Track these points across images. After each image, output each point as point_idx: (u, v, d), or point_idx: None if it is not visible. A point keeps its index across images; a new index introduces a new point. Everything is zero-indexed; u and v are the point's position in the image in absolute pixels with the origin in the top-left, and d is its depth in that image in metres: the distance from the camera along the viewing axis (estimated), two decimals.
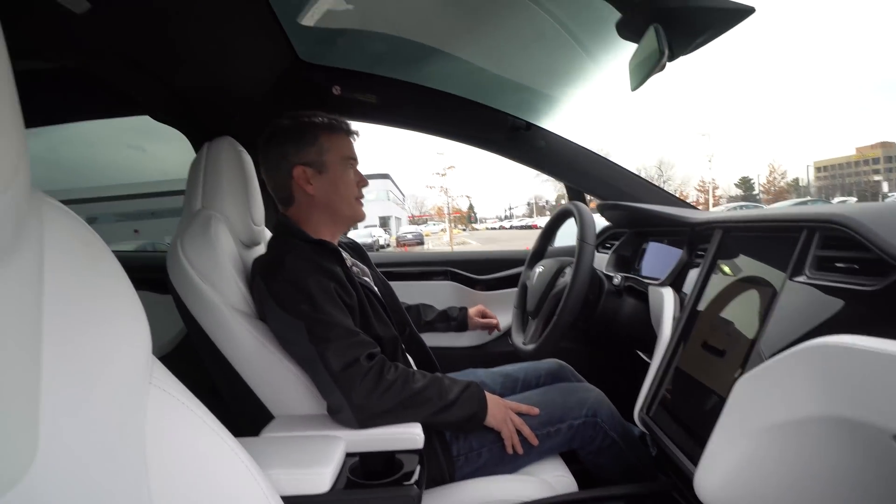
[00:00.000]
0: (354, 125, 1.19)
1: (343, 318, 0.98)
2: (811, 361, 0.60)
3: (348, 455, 0.86)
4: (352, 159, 1.14)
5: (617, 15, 0.86)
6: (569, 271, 1.17)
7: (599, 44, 1.30)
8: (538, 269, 1.33)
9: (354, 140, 1.17)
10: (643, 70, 0.85)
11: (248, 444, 0.55)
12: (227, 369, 1.02)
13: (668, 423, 0.92)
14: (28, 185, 0.33)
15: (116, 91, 1.46)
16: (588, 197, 1.79)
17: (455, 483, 1.03)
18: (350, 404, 0.92)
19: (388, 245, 25.96)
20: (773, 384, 0.66)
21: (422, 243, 26.39)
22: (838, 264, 0.67)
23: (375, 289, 1.18)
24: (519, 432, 1.05)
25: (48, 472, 0.33)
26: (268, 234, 1.36)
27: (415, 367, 1.17)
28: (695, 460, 0.77)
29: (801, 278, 0.71)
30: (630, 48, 0.92)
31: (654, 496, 1.00)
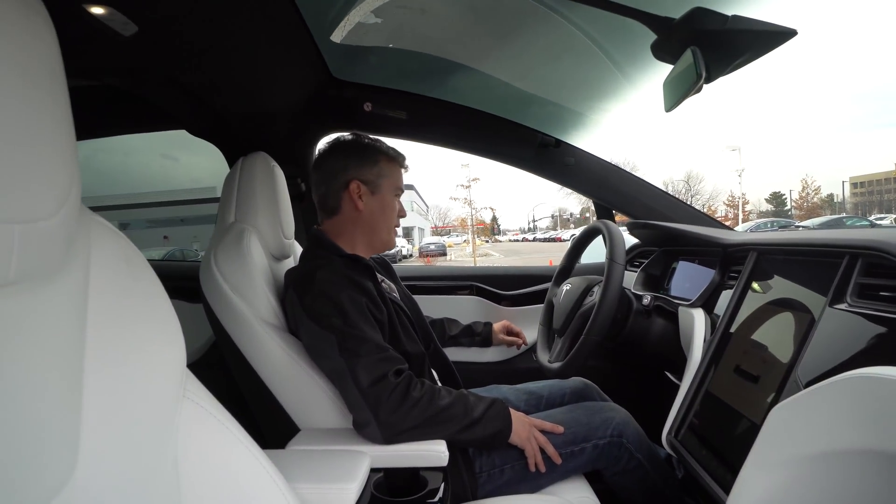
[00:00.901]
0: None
1: (374, 334, 0.99)
2: (853, 392, 0.59)
3: (373, 470, 0.86)
4: (400, 189, 1.20)
5: (652, 34, 0.86)
6: (597, 290, 1.16)
7: (633, 62, 1.30)
8: (566, 286, 1.32)
9: (405, 172, 1.24)
10: (679, 91, 0.85)
11: (275, 456, 0.56)
12: (256, 381, 1.03)
13: (698, 448, 0.90)
14: (78, 205, 0.35)
15: (155, 106, 1.52)
16: (614, 212, 1.77)
17: (477, 501, 1.02)
18: (377, 420, 0.93)
19: (411, 255, 26.05)
20: (812, 413, 0.64)
21: (444, 254, 26.42)
22: (882, 293, 0.65)
23: (403, 305, 1.19)
24: (543, 451, 1.04)
25: (86, 483, 0.34)
26: (297, 248, 1.39)
27: (439, 383, 1.18)
28: (725, 487, 0.75)
29: (843, 305, 0.70)
30: (665, 67, 0.92)
31: None
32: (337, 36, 1.33)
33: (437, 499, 0.82)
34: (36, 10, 0.31)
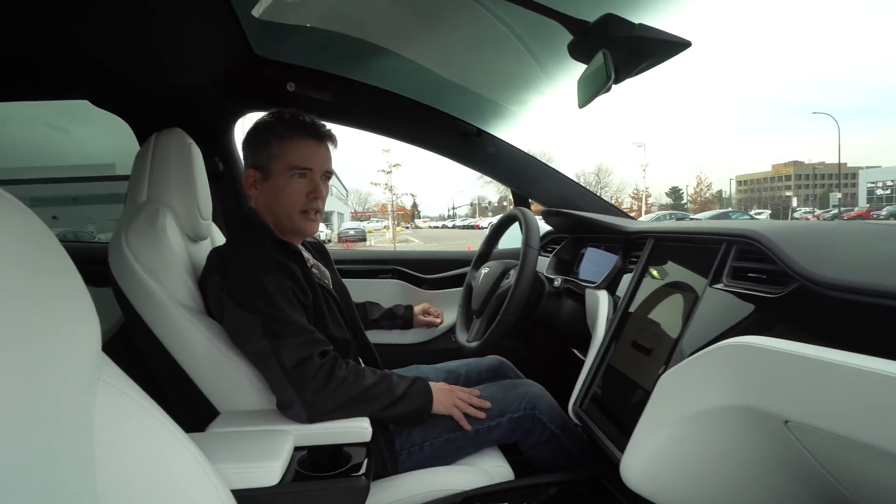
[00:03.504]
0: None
1: (298, 317, 0.99)
2: (723, 358, 0.68)
3: (297, 449, 0.87)
4: (301, 169, 1.08)
5: (569, 35, 0.92)
6: (513, 273, 1.23)
7: (552, 57, 1.37)
8: (484, 270, 1.39)
9: (329, 148, 1.13)
10: (591, 89, 0.92)
11: (196, 439, 0.55)
12: (172, 365, 1.00)
13: (599, 416, 1.00)
14: None
15: (51, 72, 1.39)
16: (530, 201, 1.87)
17: (397, 475, 1.06)
18: (301, 400, 0.94)
19: (330, 241, 25.50)
20: (691, 378, 0.74)
21: (364, 240, 26.10)
22: (750, 274, 0.76)
23: (333, 291, 1.19)
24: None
25: None
26: (215, 229, 1.34)
27: None
28: (622, 449, 0.84)
29: (720, 285, 0.80)
30: (580, 65, 0.99)
31: (585, 483, 1.08)
32: (259, 11, 1.28)
33: (360, 473, 0.84)
34: None
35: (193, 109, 1.49)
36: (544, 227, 1.75)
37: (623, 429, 0.89)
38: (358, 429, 0.95)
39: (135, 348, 1.04)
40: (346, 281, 1.36)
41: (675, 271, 0.99)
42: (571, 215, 1.52)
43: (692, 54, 0.87)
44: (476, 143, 1.74)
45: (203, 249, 1.20)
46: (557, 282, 1.32)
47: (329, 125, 1.15)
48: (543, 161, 1.89)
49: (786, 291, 0.67)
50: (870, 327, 0.55)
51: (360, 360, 1.25)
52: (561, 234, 1.70)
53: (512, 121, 1.81)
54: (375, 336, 1.51)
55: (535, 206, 1.89)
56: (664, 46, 0.84)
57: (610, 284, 1.20)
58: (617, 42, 0.84)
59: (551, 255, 1.60)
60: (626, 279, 1.14)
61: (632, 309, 1.05)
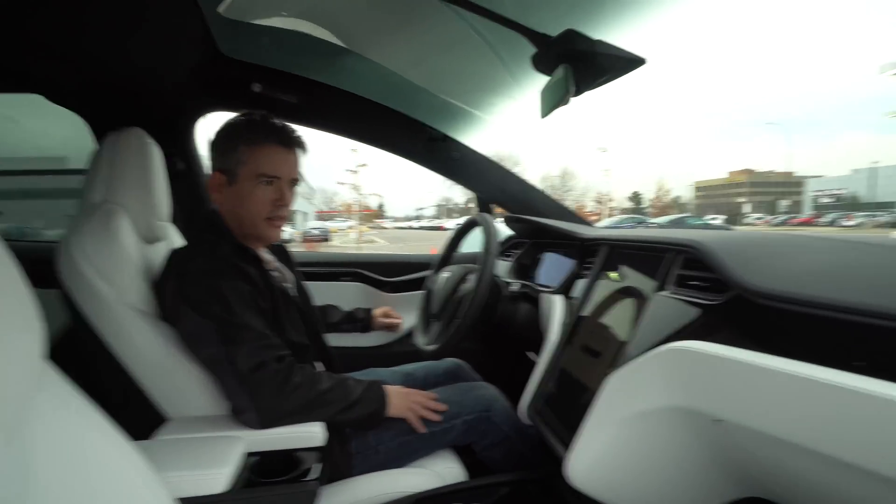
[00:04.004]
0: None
1: (255, 321, 0.97)
2: (663, 362, 0.72)
3: (249, 455, 0.86)
4: (269, 177, 1.06)
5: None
6: (472, 278, 1.25)
7: (520, 62, 1.38)
8: (444, 274, 1.40)
9: (298, 155, 1.11)
10: (552, 101, 0.95)
11: (143, 447, 0.54)
12: (120, 371, 0.97)
13: (550, 417, 1.02)
14: None
15: (2, 64, 1.33)
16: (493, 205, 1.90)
17: (351, 478, 1.06)
18: (256, 406, 0.93)
19: (293, 239, 25.05)
20: (633, 381, 0.77)
21: (328, 239, 25.74)
22: (694, 282, 0.80)
23: (295, 295, 1.18)
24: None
25: None
26: (172, 231, 1.31)
27: None
28: (570, 448, 0.87)
29: (666, 292, 0.84)
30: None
31: (535, 482, 1.11)
32: (226, 9, 1.26)
33: (311, 477, 0.84)
34: None
35: (154, 108, 1.45)
36: (506, 231, 1.78)
37: (572, 430, 0.91)
38: (311, 434, 0.94)
39: (84, 352, 1.01)
40: (307, 283, 1.35)
41: (627, 277, 1.03)
42: (531, 221, 1.55)
43: (653, 66, 0.91)
44: (442, 149, 1.76)
45: (159, 251, 1.17)
46: (514, 286, 1.35)
47: (296, 127, 1.14)
48: (510, 163, 1.92)
49: (724, 299, 0.70)
50: (797, 333, 0.59)
51: (319, 363, 1.24)
52: (522, 238, 1.74)
53: (479, 126, 1.83)
54: (334, 339, 1.50)
55: (499, 210, 1.92)
56: (621, 63, 0.87)
57: (565, 289, 1.24)
58: (577, 56, 0.87)
59: (512, 260, 1.63)
60: (581, 284, 1.17)
61: (585, 313, 1.09)
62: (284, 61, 1.57)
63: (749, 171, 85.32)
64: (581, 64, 0.89)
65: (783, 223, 44.17)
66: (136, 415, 1.00)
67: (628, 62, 0.88)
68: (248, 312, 0.97)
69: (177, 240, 1.32)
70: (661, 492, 0.80)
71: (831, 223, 39.01)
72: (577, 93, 0.92)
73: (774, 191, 77.48)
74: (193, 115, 1.61)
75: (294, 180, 1.12)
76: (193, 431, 0.94)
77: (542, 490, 1.09)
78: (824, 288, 0.59)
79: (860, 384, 0.49)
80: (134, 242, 1.06)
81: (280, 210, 1.09)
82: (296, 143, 1.11)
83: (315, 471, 0.86)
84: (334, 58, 1.55)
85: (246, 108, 1.13)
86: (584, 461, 0.82)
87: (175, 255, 1.07)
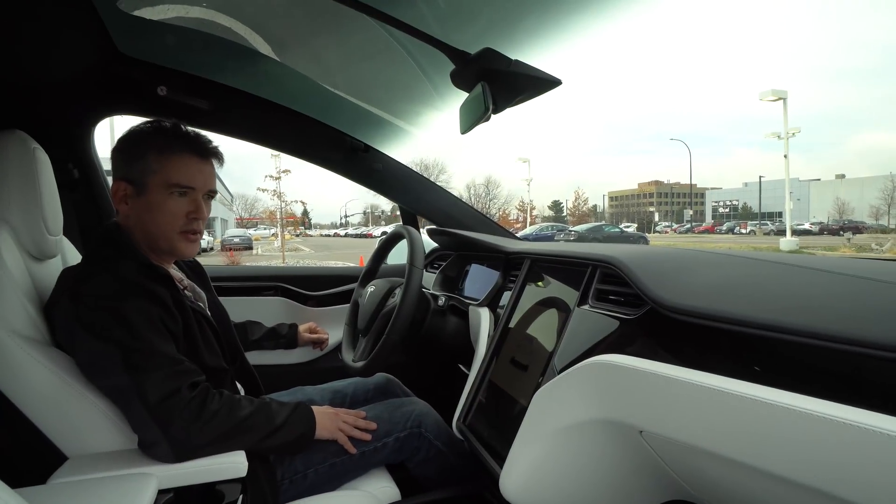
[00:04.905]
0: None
1: (165, 346, 0.90)
2: (587, 375, 0.74)
3: (161, 492, 0.79)
4: (182, 187, 0.99)
5: None
6: (399, 292, 1.24)
7: (442, 73, 1.39)
8: (370, 288, 1.38)
9: (214, 166, 1.05)
10: (471, 117, 0.96)
11: (34, 494, 0.48)
12: (5, 406, 0.86)
13: (482, 431, 1.03)
14: None
15: None
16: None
17: None
18: (168, 438, 0.85)
19: (212, 248, 23.75)
20: (560, 395, 0.80)
21: (250, 248, 24.66)
22: (611, 297, 0.84)
23: (209, 315, 1.10)
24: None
25: None
26: (68, 245, 1.19)
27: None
28: (501, 463, 0.88)
29: (586, 306, 0.87)
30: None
31: (469, 498, 1.11)
32: (125, 4, 1.17)
33: None
34: None
35: (41, 109, 1.32)
36: (431, 243, 1.78)
37: (503, 443, 0.92)
38: (232, 464, 0.88)
39: None
40: (226, 299, 1.28)
41: (550, 289, 1.06)
42: (455, 234, 1.57)
43: (569, 81, 0.94)
44: (363, 159, 1.73)
45: (51, 269, 1.06)
46: (442, 300, 1.35)
47: (209, 135, 1.07)
48: (436, 171, 1.94)
49: (641, 313, 0.74)
50: (706, 345, 0.64)
51: (240, 385, 1.18)
52: (447, 251, 1.75)
53: (402, 137, 1.82)
54: (257, 357, 1.43)
55: (424, 221, 1.92)
56: (537, 83, 0.90)
57: (491, 301, 1.26)
58: (494, 75, 0.89)
59: (438, 272, 1.63)
60: (507, 296, 1.20)
61: (511, 325, 1.11)
62: (194, 64, 1.48)
63: (657, 183, 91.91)
64: (498, 82, 0.91)
65: (688, 231, 47.84)
66: (28, 456, 0.89)
67: (544, 83, 0.91)
68: (157, 337, 0.90)
69: (74, 256, 1.20)
70: (591, 500, 0.82)
71: (730, 231, 42.82)
72: (496, 110, 0.93)
73: (680, 201, 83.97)
74: (90, 118, 1.48)
75: (211, 192, 1.05)
76: (96, 471, 0.84)
77: None
78: (723, 302, 0.63)
79: (761, 393, 0.53)
80: (16, 260, 0.94)
81: (194, 223, 1.02)
82: (211, 154, 1.05)
83: (238, 503, 0.80)
84: (250, 63, 1.48)
85: (152, 112, 1.05)
86: (516, 475, 0.83)
87: (68, 274, 0.97)
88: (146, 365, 0.86)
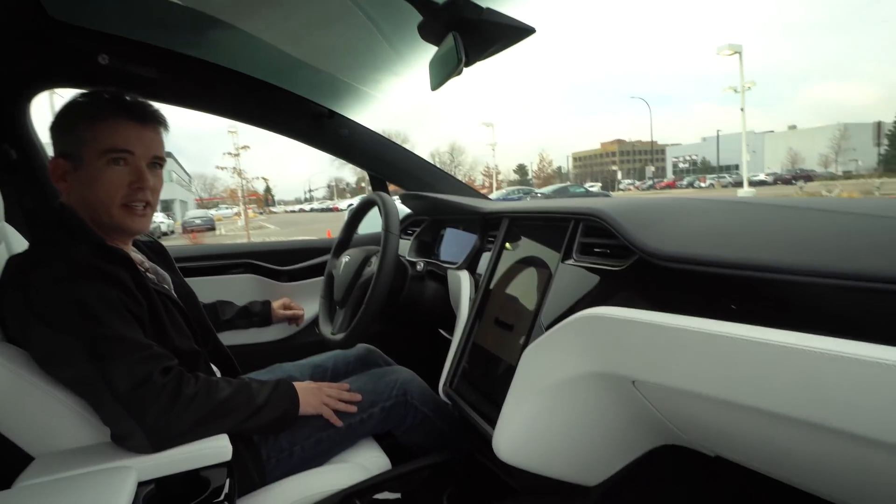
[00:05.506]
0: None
1: (130, 331, 0.84)
2: (577, 330, 0.74)
3: (141, 484, 0.75)
4: (118, 152, 0.90)
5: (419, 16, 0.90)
6: (375, 261, 1.20)
7: (403, 37, 1.33)
8: (344, 258, 1.34)
9: (158, 131, 0.96)
10: (442, 72, 0.92)
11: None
12: None
13: (469, 394, 1.02)
14: None
15: None
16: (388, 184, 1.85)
17: (267, 486, 0.99)
18: (143, 428, 0.80)
19: (172, 231, 22.98)
20: (550, 351, 0.79)
21: (213, 229, 23.95)
22: (596, 249, 0.82)
23: (176, 297, 1.04)
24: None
25: None
26: (11, 232, 1.10)
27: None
28: (493, 424, 0.87)
29: (571, 261, 0.86)
30: (431, 48, 0.97)
31: (460, 461, 1.11)
32: None
33: (222, 497, 0.76)
34: None
35: None
36: (403, 209, 1.74)
37: (493, 404, 0.92)
38: (215, 448, 0.84)
39: None
40: (193, 280, 1.21)
41: (531, 248, 1.04)
42: (429, 197, 1.53)
43: (532, 41, 0.90)
44: (328, 126, 1.66)
45: None
46: (420, 265, 1.32)
47: (160, 106, 0.99)
48: (399, 140, 1.88)
49: (627, 264, 0.73)
50: (696, 291, 0.63)
51: (215, 367, 1.13)
52: (420, 216, 1.71)
53: (366, 102, 1.75)
54: (231, 337, 1.38)
55: (393, 188, 1.87)
56: (510, 32, 0.85)
57: (470, 264, 1.23)
58: (466, 25, 0.84)
59: (412, 238, 1.60)
60: (486, 258, 1.18)
61: (492, 287, 1.09)
62: (140, 30, 1.36)
63: (619, 142, 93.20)
64: (470, 32, 0.86)
65: (651, 187, 48.81)
66: None
67: (517, 31, 0.87)
68: (121, 321, 0.84)
69: (20, 243, 1.11)
70: (584, 452, 0.83)
71: (690, 185, 43.89)
72: (469, 63, 0.89)
73: (642, 158, 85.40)
74: (24, 94, 1.35)
75: (157, 159, 0.96)
76: (67, 469, 0.78)
77: (466, 466, 1.10)
78: (714, 247, 0.62)
79: (754, 334, 0.53)
80: None
81: (139, 194, 0.93)
82: (151, 118, 0.95)
83: (227, 487, 0.77)
84: (199, 27, 1.37)
85: (94, 84, 0.95)
86: (509, 435, 0.83)
87: (13, 262, 0.88)
88: (112, 353, 0.81)
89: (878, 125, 39.05)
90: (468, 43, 0.85)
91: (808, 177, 36.46)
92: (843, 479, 0.54)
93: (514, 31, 0.85)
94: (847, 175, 38.35)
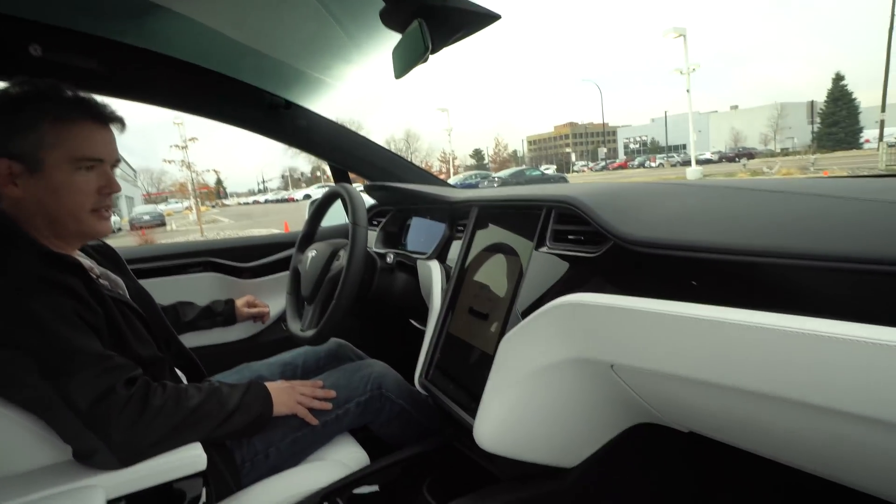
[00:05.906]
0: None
1: (86, 343, 0.79)
2: (554, 317, 0.74)
3: (112, 502, 0.71)
4: (90, 160, 0.87)
5: (379, 3, 0.87)
6: (343, 254, 1.18)
7: (359, 25, 1.29)
8: (311, 253, 1.30)
9: (115, 131, 0.93)
10: (408, 59, 0.90)
11: None
12: None
13: (446, 384, 1.02)
14: None
15: None
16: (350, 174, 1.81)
17: (242, 490, 0.96)
18: (108, 444, 0.76)
19: (120, 229, 21.89)
20: (528, 339, 0.79)
21: (163, 224, 23.03)
22: (570, 236, 0.83)
23: (132, 302, 0.98)
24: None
25: None
26: None
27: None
28: (472, 413, 0.88)
29: (544, 248, 0.86)
30: (390, 34, 0.95)
31: (439, 451, 1.11)
32: None
33: None
34: None
35: None
36: (368, 200, 1.71)
37: (470, 393, 0.92)
38: (189, 458, 0.81)
39: None
40: (149, 282, 1.16)
41: (502, 236, 1.04)
42: (396, 188, 1.51)
43: (500, 27, 0.89)
44: (286, 116, 1.60)
45: None
46: (389, 257, 1.31)
47: (100, 98, 0.93)
48: (353, 128, 1.83)
49: (602, 250, 0.74)
50: (670, 276, 0.64)
51: (180, 372, 1.09)
52: (385, 206, 1.68)
53: (324, 91, 1.70)
54: (194, 339, 1.33)
55: (354, 177, 1.84)
56: (476, 18, 0.84)
57: (440, 254, 1.23)
58: (431, 12, 0.82)
59: (378, 229, 1.57)
60: (456, 247, 1.17)
61: (465, 276, 1.09)
62: (74, 17, 1.26)
63: (572, 124, 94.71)
64: (434, 18, 0.84)
65: (603, 168, 49.95)
66: None
67: (482, 17, 0.86)
68: (75, 333, 0.79)
69: None
70: (563, 435, 0.84)
71: (641, 165, 45.15)
72: (435, 49, 0.87)
73: (594, 140, 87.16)
74: None
75: (118, 161, 0.93)
76: (29, 492, 0.73)
77: (445, 455, 1.10)
78: (688, 231, 0.64)
79: (729, 316, 0.54)
80: None
81: (108, 199, 0.91)
82: (113, 119, 0.92)
83: (203, 497, 0.74)
84: (142, 15, 1.29)
85: (23, 75, 0.88)
86: (490, 424, 0.83)
87: None
88: (68, 367, 0.76)
89: (811, 104, 41.25)
90: (433, 29, 0.83)
91: (750, 154, 38.13)
92: (814, 450, 0.57)
93: (479, 18, 0.83)
94: (784, 152, 40.34)
